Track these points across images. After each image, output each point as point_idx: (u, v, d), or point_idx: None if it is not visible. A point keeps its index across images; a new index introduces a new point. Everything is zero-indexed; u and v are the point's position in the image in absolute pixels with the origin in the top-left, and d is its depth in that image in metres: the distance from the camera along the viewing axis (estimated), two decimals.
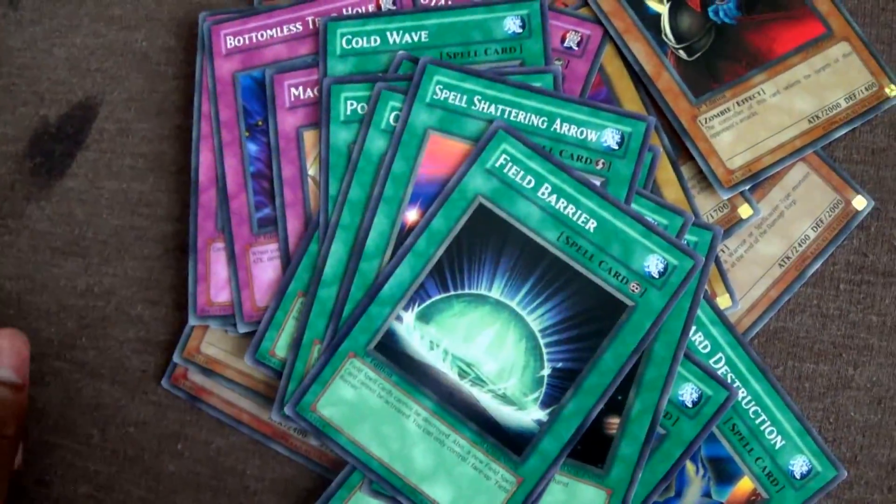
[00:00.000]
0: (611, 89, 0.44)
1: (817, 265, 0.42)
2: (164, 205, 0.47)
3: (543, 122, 0.41)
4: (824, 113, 0.43)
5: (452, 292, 0.39)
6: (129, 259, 0.47)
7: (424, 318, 0.39)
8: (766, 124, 0.42)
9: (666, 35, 0.44)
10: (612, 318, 0.39)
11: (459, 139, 0.41)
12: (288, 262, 0.42)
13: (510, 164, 0.40)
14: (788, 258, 0.42)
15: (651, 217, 0.40)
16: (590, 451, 0.39)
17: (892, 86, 0.44)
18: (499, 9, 0.44)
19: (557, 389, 0.39)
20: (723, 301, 0.41)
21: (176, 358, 0.43)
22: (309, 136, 0.43)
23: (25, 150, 0.49)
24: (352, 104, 0.42)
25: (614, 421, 0.39)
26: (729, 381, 0.40)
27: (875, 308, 0.43)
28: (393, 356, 0.39)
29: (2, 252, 0.48)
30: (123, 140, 0.48)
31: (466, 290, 0.39)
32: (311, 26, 0.45)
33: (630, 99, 0.43)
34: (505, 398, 0.39)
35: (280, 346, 0.41)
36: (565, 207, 0.40)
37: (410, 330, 0.39)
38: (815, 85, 0.43)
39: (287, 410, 0.39)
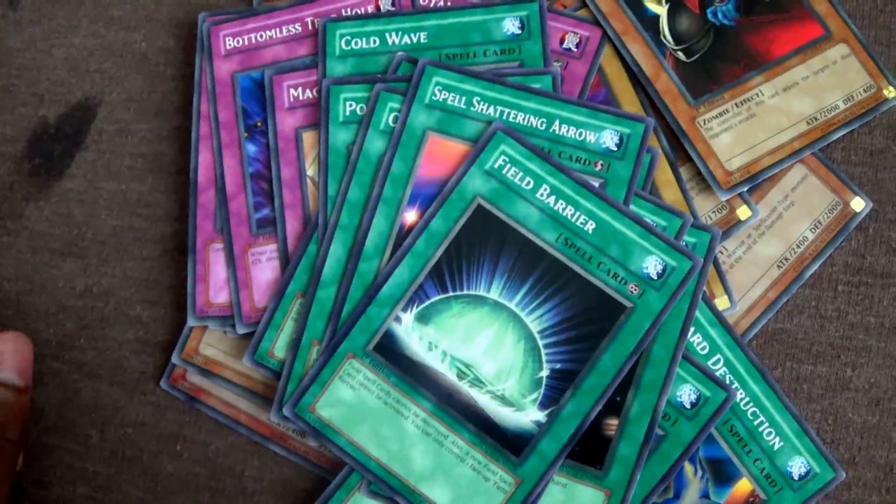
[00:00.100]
0: (609, 90, 0.44)
1: (816, 266, 0.42)
2: (163, 205, 0.47)
3: (542, 123, 0.41)
4: (823, 114, 0.43)
5: (451, 293, 0.39)
6: (127, 260, 0.47)
7: (423, 318, 0.39)
8: (764, 126, 0.43)
9: (664, 36, 0.44)
10: (611, 319, 0.39)
11: (458, 140, 0.41)
12: (287, 263, 0.42)
13: (509, 165, 0.40)
14: (787, 259, 0.42)
15: (650, 218, 0.40)
16: (588, 452, 0.39)
17: (891, 87, 0.44)
18: (498, 10, 0.44)
19: (556, 390, 0.39)
20: (721, 302, 0.41)
21: (175, 359, 0.43)
22: (308, 137, 0.43)
23: (24, 151, 0.49)
24: (351, 105, 0.42)
25: (613, 422, 0.39)
26: (727, 382, 0.40)
27: (873, 309, 0.43)
28: (392, 357, 0.39)
29: (0, 253, 0.48)
30: (122, 141, 0.48)
31: (465, 291, 0.39)
32: (310, 27, 0.45)
33: (629, 100, 0.43)
34: (504, 399, 0.39)
35: (279, 346, 0.41)
36: (564, 209, 0.40)
37: (409, 331, 0.39)
38: (813, 86, 0.43)
39: (286, 411, 0.39)
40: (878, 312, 0.43)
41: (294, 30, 0.45)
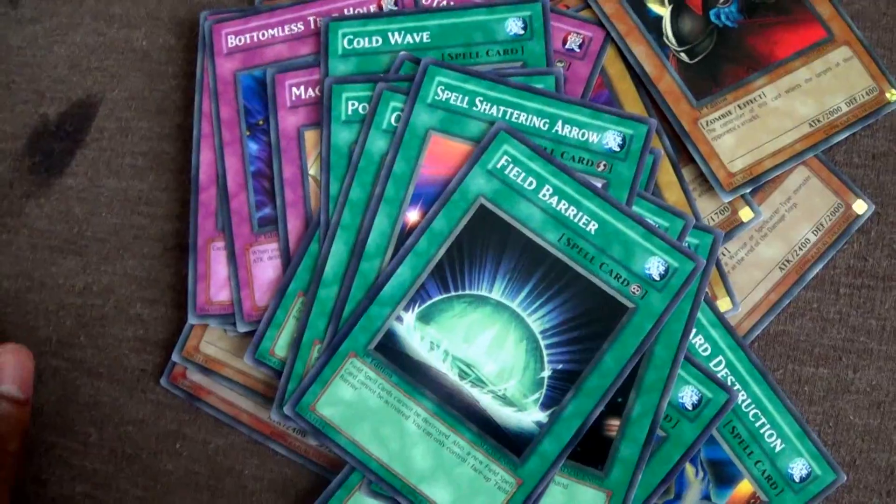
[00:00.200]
0: (612, 91, 0.44)
1: (818, 269, 0.42)
2: (164, 203, 0.47)
3: (545, 123, 0.41)
4: (825, 117, 0.43)
5: (453, 293, 0.39)
6: (128, 258, 0.46)
7: (425, 318, 0.39)
8: (767, 128, 0.43)
9: (667, 37, 0.44)
10: (613, 320, 0.39)
11: (461, 140, 0.41)
12: (288, 262, 0.42)
13: (511, 165, 0.40)
14: (789, 262, 0.42)
15: (652, 219, 0.40)
16: (590, 453, 0.39)
17: (893, 90, 0.44)
18: (501, 10, 0.44)
19: (558, 391, 0.38)
20: (723, 304, 0.41)
21: (175, 357, 0.43)
22: (310, 136, 0.43)
23: (25, 148, 0.49)
24: (353, 104, 0.42)
25: (614, 423, 0.39)
26: (729, 383, 0.40)
27: (875, 312, 0.43)
28: (393, 356, 0.39)
29: (0, 250, 0.48)
30: (123, 138, 0.48)
31: (467, 291, 0.39)
32: (312, 26, 0.45)
33: (631, 101, 0.43)
34: (505, 399, 0.39)
35: (280, 345, 0.41)
36: (566, 209, 0.40)
37: (411, 330, 0.39)
38: (816, 89, 0.43)
39: (286, 410, 0.39)
40: (880, 315, 0.43)
41: (296, 28, 0.45)
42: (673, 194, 0.42)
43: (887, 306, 0.43)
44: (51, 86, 0.50)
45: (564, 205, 0.40)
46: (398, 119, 0.42)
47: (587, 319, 0.39)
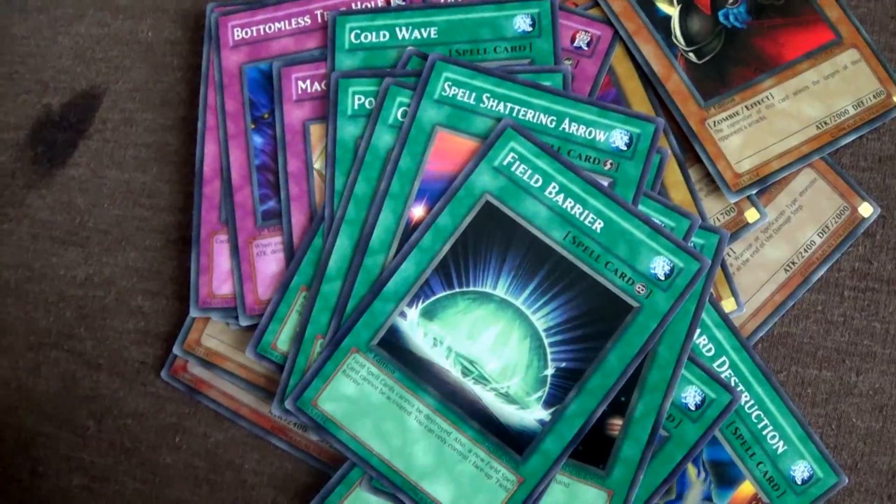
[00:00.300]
0: (620, 90, 0.44)
1: (822, 271, 0.42)
2: (167, 195, 0.47)
3: (552, 121, 0.41)
4: (832, 119, 0.43)
5: (457, 289, 0.39)
6: (130, 249, 0.46)
7: (428, 314, 0.39)
8: (774, 129, 0.42)
9: (676, 37, 0.44)
10: (617, 318, 0.39)
11: (467, 136, 0.41)
12: (292, 256, 0.41)
13: (518, 162, 0.40)
14: (794, 263, 0.42)
15: (658, 219, 0.40)
16: (592, 452, 0.39)
17: None
18: (509, 7, 0.43)
19: (561, 389, 0.38)
20: (728, 304, 0.41)
21: (176, 350, 0.43)
22: (315, 130, 0.43)
23: (27, 139, 0.49)
24: (359, 99, 0.42)
25: (617, 422, 0.39)
26: (732, 384, 0.40)
27: (879, 315, 0.42)
28: (396, 352, 0.39)
29: (1, 240, 0.47)
30: (127, 130, 0.48)
31: (471, 288, 0.39)
32: (319, 20, 0.45)
33: (639, 100, 0.43)
34: (508, 397, 0.38)
35: (282, 340, 0.40)
36: (572, 207, 0.39)
37: (414, 326, 0.39)
38: (823, 91, 0.43)
39: (288, 405, 0.39)
40: (884, 318, 0.42)
41: (303, 22, 0.45)
42: (679, 194, 0.42)
43: (892, 310, 0.43)
44: (54, 76, 0.50)
45: (570, 203, 0.40)
46: (404, 114, 0.41)
47: (591, 318, 0.39)
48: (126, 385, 0.45)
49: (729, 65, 0.43)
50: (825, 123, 0.43)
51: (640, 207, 0.40)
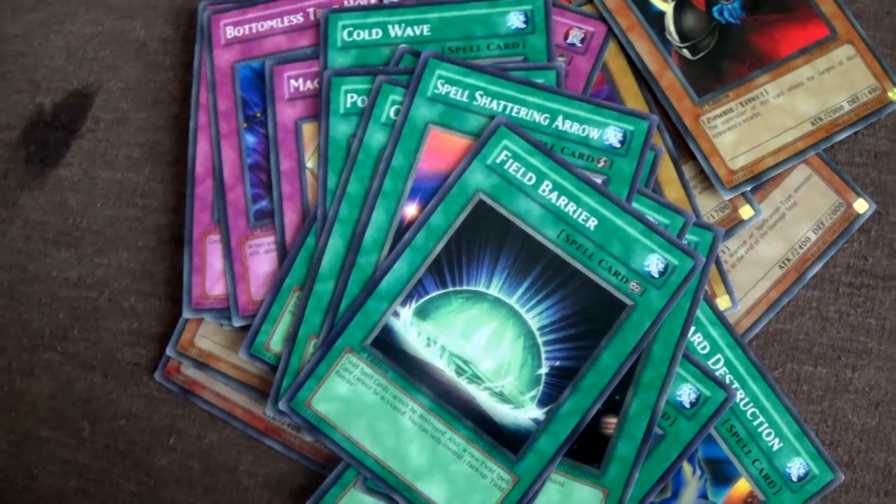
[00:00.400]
0: (614, 87, 0.43)
1: (817, 267, 0.42)
2: (160, 195, 0.46)
3: (545, 118, 0.41)
4: (827, 115, 0.43)
5: (451, 288, 0.39)
6: (122, 250, 0.46)
7: (422, 314, 0.39)
8: (768, 125, 0.42)
9: (670, 33, 0.44)
10: (612, 317, 0.38)
11: (460, 134, 0.41)
12: (284, 256, 0.41)
13: (511, 160, 0.40)
14: (789, 260, 0.42)
15: (652, 216, 0.40)
16: (587, 451, 0.38)
17: (895, 89, 0.43)
18: (502, 4, 0.43)
19: (555, 388, 0.38)
20: (722, 302, 0.41)
21: (169, 351, 0.42)
22: (308, 129, 0.43)
23: (19, 139, 0.48)
24: (352, 97, 0.42)
25: (612, 421, 0.38)
26: (727, 382, 0.40)
27: (874, 311, 0.42)
28: (389, 352, 0.39)
29: None
30: (119, 129, 0.48)
31: (465, 287, 0.39)
32: (311, 18, 0.45)
33: (633, 97, 0.43)
34: (502, 396, 0.38)
35: (275, 340, 0.40)
36: (566, 205, 0.39)
37: (407, 326, 0.39)
38: (818, 87, 0.43)
39: (281, 405, 0.39)
40: (880, 314, 0.42)
41: (295, 20, 0.45)
42: (673, 191, 0.42)
43: (887, 306, 0.42)
44: (46, 76, 0.49)
45: (564, 200, 0.39)
46: (397, 112, 0.41)
47: (585, 316, 0.39)
48: (120, 387, 0.44)
49: (723, 61, 0.43)
50: (820, 119, 0.43)
51: (634, 205, 0.40)
